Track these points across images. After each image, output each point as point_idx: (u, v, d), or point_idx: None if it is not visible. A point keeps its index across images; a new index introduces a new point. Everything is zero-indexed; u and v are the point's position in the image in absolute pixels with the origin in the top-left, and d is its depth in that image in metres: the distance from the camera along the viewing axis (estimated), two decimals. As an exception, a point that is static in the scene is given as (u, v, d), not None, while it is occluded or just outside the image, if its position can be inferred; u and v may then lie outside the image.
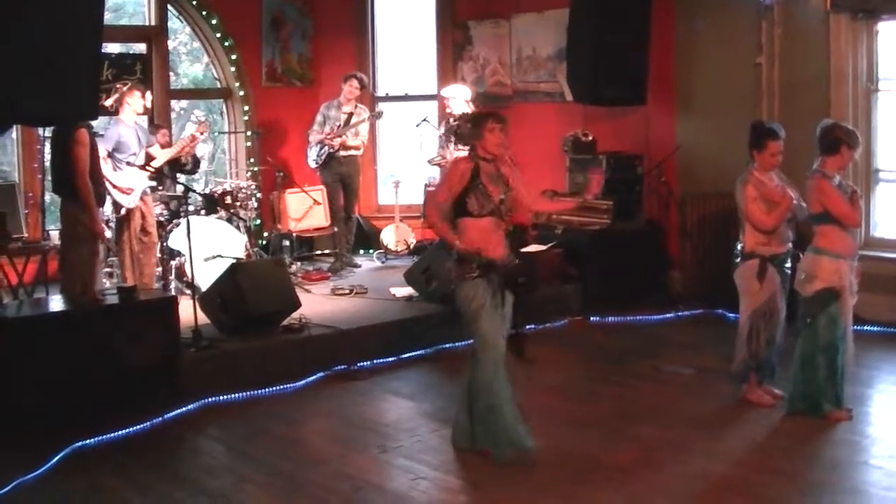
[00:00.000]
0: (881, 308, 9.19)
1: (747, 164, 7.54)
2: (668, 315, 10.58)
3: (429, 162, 12.08)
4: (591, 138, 11.91)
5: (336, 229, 12.48)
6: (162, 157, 10.31)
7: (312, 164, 12.44)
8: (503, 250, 6.75)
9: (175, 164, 10.97)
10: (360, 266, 12.52)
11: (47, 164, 10.36)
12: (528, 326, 10.23)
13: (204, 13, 12.97)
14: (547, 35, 12.76)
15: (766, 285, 7.42)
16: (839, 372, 7.18)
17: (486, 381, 6.60)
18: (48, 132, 10.20)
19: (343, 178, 12.35)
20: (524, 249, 11.20)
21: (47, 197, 10.53)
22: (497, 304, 6.67)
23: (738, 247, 7.58)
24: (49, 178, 10.04)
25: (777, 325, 7.51)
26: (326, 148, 12.20)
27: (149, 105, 10.35)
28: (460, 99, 11.88)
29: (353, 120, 12.24)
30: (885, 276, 9.34)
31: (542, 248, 11.17)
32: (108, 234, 9.88)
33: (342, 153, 12.25)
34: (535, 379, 8.59)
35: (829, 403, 7.18)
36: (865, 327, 9.25)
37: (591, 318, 10.69)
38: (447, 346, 9.50)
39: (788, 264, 7.55)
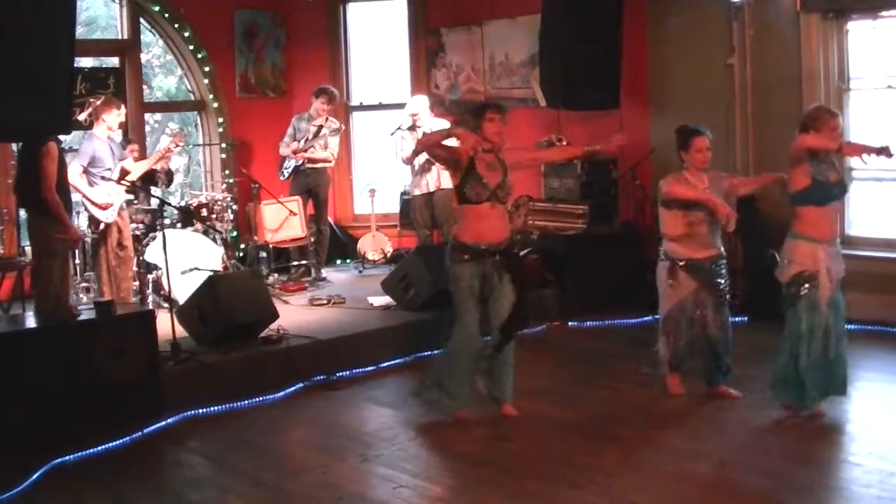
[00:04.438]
0: (857, 305, 9.20)
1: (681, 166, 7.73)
2: (646, 318, 10.58)
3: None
4: (565, 143, 11.93)
5: (312, 239, 12.50)
6: (137, 169, 10.28)
7: (281, 178, 12.48)
8: (502, 234, 7.50)
9: (149, 180, 10.94)
10: (325, 278, 12.46)
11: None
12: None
13: (176, 26, 12.97)
14: (519, 41, 12.79)
15: (676, 289, 7.67)
16: (827, 360, 7.13)
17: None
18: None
19: (310, 189, 12.36)
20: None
21: (22, 212, 10.46)
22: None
23: (661, 248, 7.87)
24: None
25: (697, 327, 7.70)
26: (293, 161, 12.24)
27: (123, 120, 10.33)
28: (426, 110, 11.90)
29: (323, 132, 12.25)
30: (861, 274, 9.36)
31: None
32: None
33: (308, 166, 12.27)
34: (516, 384, 8.60)
35: (814, 391, 7.14)
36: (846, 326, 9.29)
37: (570, 323, 10.70)
38: (426, 353, 9.50)
39: (723, 270, 7.71)
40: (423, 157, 11.47)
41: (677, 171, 7.71)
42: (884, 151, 6.81)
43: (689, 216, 7.53)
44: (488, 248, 7.36)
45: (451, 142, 7.60)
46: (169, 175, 11.53)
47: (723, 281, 7.70)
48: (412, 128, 11.86)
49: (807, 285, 7.07)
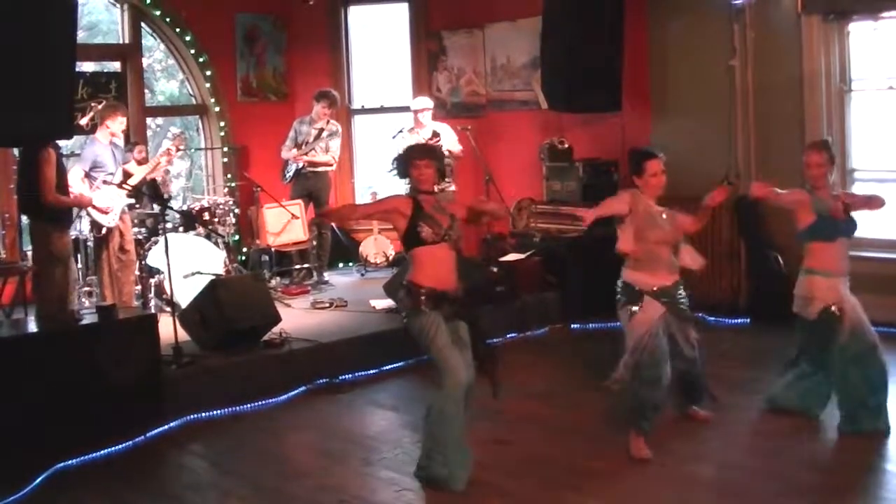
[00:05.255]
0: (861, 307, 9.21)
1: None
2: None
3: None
4: (567, 146, 11.93)
5: (314, 243, 12.52)
6: (140, 172, 10.28)
7: (283, 181, 12.49)
8: (455, 279, 6.65)
9: (153, 188, 10.94)
10: (327, 282, 12.46)
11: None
12: (509, 335, 10.27)
13: (178, 30, 12.97)
14: (521, 43, 12.78)
15: (644, 319, 6.85)
16: (877, 384, 6.95)
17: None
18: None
19: (311, 192, 12.38)
20: (503, 258, 11.25)
21: (24, 217, 10.48)
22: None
23: (620, 282, 7.12)
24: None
25: (662, 364, 6.78)
26: (294, 164, 12.25)
27: (125, 126, 10.33)
28: (429, 111, 11.93)
29: (324, 136, 12.27)
30: (864, 275, 9.32)
31: (521, 256, 11.19)
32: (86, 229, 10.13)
33: (309, 169, 12.28)
34: (519, 387, 8.59)
35: (871, 418, 6.94)
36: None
37: (572, 326, 10.69)
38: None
39: (683, 297, 6.99)
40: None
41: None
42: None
43: (647, 233, 6.90)
44: (446, 295, 6.55)
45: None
46: (165, 189, 11.54)
47: (685, 304, 7.01)
48: (413, 129, 11.86)
49: (836, 319, 6.90)
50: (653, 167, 6.95)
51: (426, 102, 12.09)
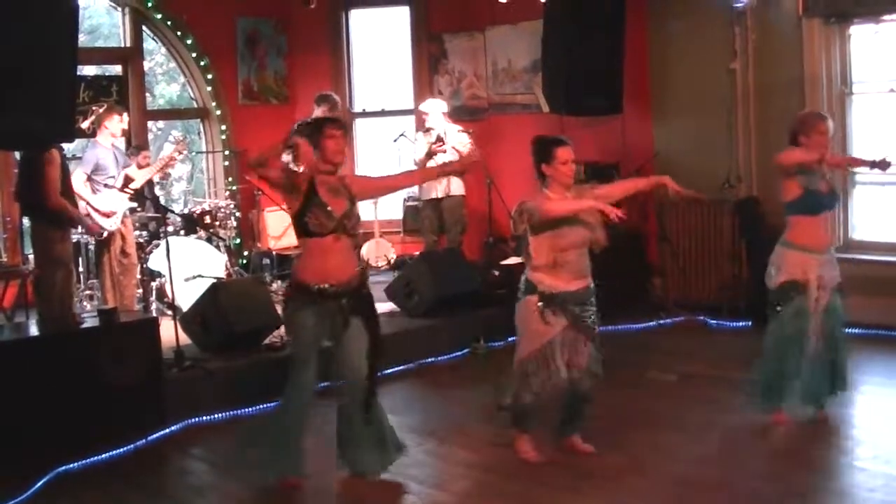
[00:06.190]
0: (861, 310, 9.19)
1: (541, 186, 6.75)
2: (650, 323, 10.59)
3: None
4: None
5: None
6: (141, 177, 10.27)
7: None
8: (350, 271, 6.49)
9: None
10: None
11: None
12: (510, 338, 10.25)
13: (179, 33, 12.96)
14: (522, 47, 12.79)
15: (546, 328, 6.59)
16: (822, 363, 7.10)
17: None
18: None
19: None
20: (504, 262, 11.24)
21: (25, 221, 10.49)
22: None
23: (523, 279, 6.80)
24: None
25: (555, 377, 6.63)
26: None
27: (126, 127, 10.33)
28: (437, 113, 11.86)
29: None
30: (864, 278, 9.36)
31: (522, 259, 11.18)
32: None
33: None
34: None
35: (806, 394, 7.12)
36: (846, 330, 9.25)
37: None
38: (430, 360, 9.50)
39: (593, 302, 6.81)
40: (434, 161, 11.46)
41: (537, 191, 6.75)
42: (879, 164, 6.84)
43: (559, 239, 6.59)
44: (334, 290, 6.35)
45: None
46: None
47: (592, 317, 6.79)
48: (426, 130, 11.80)
49: (793, 294, 7.03)
50: (564, 154, 6.57)
51: (431, 106, 11.99)
